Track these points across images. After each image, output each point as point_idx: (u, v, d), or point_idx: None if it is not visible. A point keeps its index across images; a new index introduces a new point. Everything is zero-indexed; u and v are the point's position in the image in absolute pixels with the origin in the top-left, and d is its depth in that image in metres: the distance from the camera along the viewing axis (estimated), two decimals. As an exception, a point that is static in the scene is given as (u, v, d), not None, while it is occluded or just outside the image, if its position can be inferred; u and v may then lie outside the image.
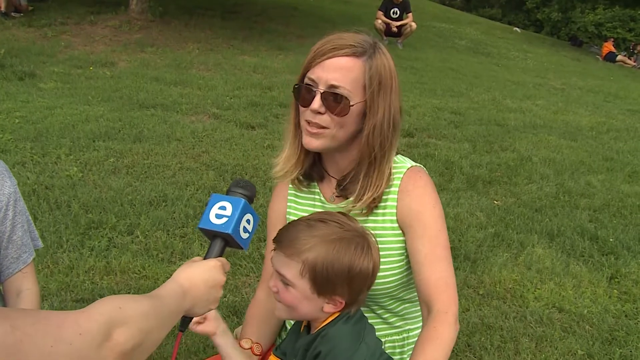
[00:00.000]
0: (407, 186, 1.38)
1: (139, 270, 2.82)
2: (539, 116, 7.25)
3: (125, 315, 0.81)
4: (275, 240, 1.25)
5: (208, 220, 1.12)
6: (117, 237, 3.11)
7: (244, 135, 5.06)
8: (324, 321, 1.25)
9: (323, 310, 1.23)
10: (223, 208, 1.12)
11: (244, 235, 1.13)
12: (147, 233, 3.16)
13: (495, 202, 4.20)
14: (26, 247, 1.49)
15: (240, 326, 1.73)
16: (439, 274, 1.31)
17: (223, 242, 1.13)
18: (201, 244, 3.09)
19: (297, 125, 1.39)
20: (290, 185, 1.53)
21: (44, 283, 2.62)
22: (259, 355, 1.44)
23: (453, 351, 2.43)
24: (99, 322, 0.77)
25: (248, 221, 1.14)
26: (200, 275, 1.05)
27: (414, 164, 1.43)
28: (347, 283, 1.21)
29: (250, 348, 1.43)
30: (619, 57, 16.60)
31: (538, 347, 2.53)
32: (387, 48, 1.39)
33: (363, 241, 1.24)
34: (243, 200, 1.13)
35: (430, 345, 1.24)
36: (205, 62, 7.89)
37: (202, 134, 4.92)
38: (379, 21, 10.70)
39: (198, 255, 3.03)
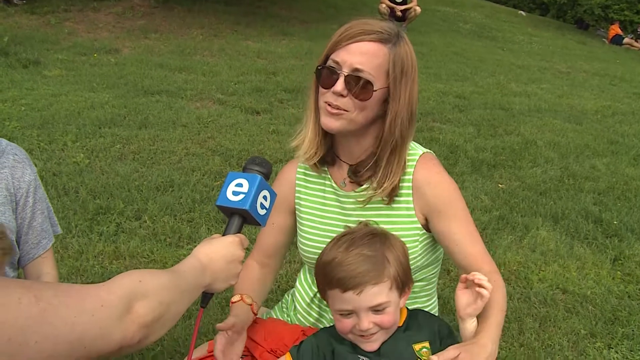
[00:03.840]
0: (425, 174, 1.39)
1: (147, 255, 2.86)
2: (544, 100, 7.22)
3: (145, 289, 0.83)
4: (342, 284, 1.20)
5: (225, 198, 1.13)
6: (125, 222, 3.14)
7: (249, 120, 5.07)
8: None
9: (400, 307, 1.28)
10: (240, 185, 1.13)
11: (261, 212, 1.14)
12: (154, 218, 3.20)
13: (499, 185, 4.21)
14: (46, 233, 1.52)
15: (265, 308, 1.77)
16: (479, 247, 1.39)
17: (241, 218, 1.15)
18: (208, 229, 3.12)
19: (317, 108, 1.40)
20: (299, 169, 1.53)
21: (55, 267, 2.67)
22: (255, 314, 1.48)
23: (457, 330, 2.47)
24: (119, 294, 0.79)
25: (265, 197, 1.15)
26: (219, 251, 1.07)
27: (424, 150, 1.44)
28: (409, 264, 1.30)
29: (251, 305, 1.46)
30: (626, 40, 16.40)
31: (542, 327, 2.56)
32: None
33: (376, 228, 1.32)
34: (259, 177, 1.14)
35: (499, 291, 1.31)
36: (209, 48, 7.88)
37: (208, 120, 4.93)
38: (384, 5, 10.62)
39: (205, 239, 3.06)
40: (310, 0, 11.91)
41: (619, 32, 16.75)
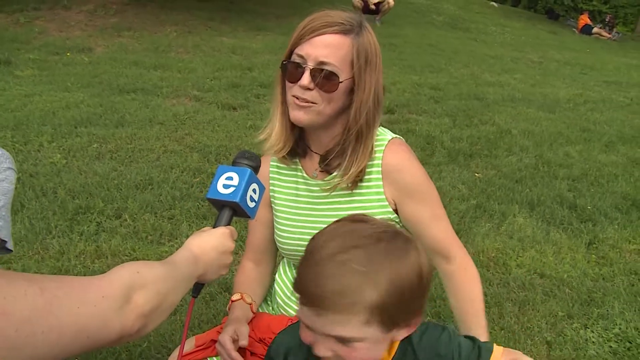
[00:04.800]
0: (394, 161, 1.41)
1: (129, 253, 2.85)
2: (517, 89, 7.34)
3: (143, 279, 0.86)
4: (302, 294, 0.93)
5: (216, 191, 1.15)
6: (105, 221, 3.12)
7: (226, 116, 5.06)
8: None
9: (394, 339, 0.97)
10: (230, 178, 1.16)
11: (251, 204, 1.17)
12: (135, 216, 3.19)
13: (476, 174, 4.29)
14: None
15: None
16: (444, 229, 1.46)
17: (231, 211, 1.17)
18: (189, 225, 3.12)
19: (284, 102, 1.41)
20: (272, 163, 1.55)
21: (36, 268, 2.64)
22: (254, 313, 1.50)
23: (440, 317, 2.52)
24: (119, 285, 0.82)
25: (254, 190, 1.18)
26: (211, 242, 1.10)
27: (393, 135, 1.47)
28: (423, 292, 0.93)
29: (250, 304, 1.48)
30: (595, 30, 16.75)
31: (521, 310, 2.63)
32: None
33: (395, 227, 0.98)
34: (249, 170, 1.16)
35: (474, 283, 1.51)
36: (183, 44, 7.82)
37: (184, 117, 4.91)
38: (357, -1, 10.66)
39: (187, 236, 3.07)
40: (284, -6, 11.88)
41: (589, 22, 17.09)
